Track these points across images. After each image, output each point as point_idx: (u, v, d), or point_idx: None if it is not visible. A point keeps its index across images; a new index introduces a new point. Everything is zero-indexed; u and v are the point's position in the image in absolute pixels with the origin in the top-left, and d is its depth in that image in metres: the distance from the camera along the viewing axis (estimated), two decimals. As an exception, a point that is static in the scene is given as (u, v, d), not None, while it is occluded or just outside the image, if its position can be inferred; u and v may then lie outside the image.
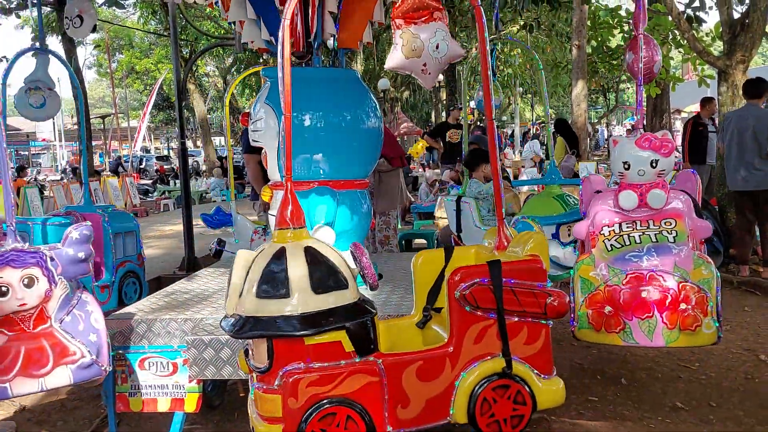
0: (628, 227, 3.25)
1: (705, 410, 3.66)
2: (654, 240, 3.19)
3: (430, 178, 13.01)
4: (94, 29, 5.18)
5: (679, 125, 21.56)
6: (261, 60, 22.39)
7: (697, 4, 7.66)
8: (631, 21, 10.17)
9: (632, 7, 10.13)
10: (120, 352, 3.04)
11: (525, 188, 11.27)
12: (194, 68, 26.87)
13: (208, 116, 32.62)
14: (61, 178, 18.98)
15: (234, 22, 3.97)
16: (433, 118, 27.14)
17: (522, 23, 14.89)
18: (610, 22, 13.03)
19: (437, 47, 2.39)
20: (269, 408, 2.22)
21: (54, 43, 19.06)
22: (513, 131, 31.72)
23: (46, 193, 13.06)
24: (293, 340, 2.19)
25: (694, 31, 7.75)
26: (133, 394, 3.06)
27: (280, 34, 2.23)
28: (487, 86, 2.55)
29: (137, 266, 5.02)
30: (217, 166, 22.04)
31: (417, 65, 2.38)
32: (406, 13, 2.39)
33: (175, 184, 20.71)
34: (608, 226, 3.29)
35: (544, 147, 17.27)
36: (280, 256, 2.24)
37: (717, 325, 3.10)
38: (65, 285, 2.76)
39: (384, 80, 24.17)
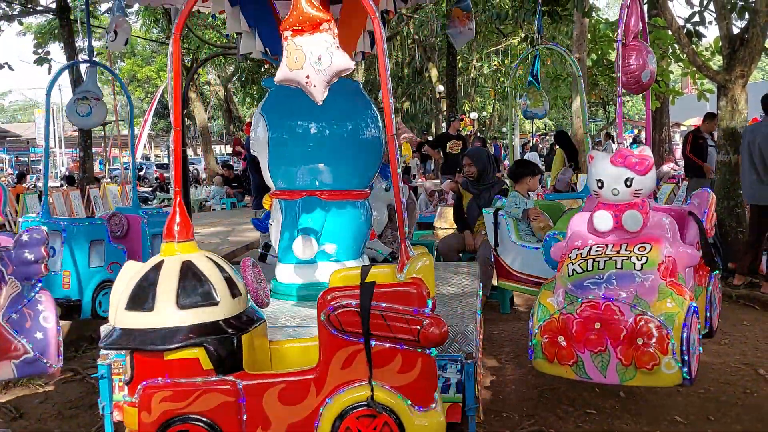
0: (596, 251, 2.95)
1: (703, 424, 3.65)
2: (618, 266, 2.85)
3: (429, 189, 13.04)
4: (126, 42, 5.45)
5: (678, 139, 21.61)
6: (263, 69, 22.47)
7: (696, 18, 7.68)
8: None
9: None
10: (117, 360, 3.03)
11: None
12: (196, 77, 26.94)
13: (209, 124, 32.69)
14: (61, 185, 18.97)
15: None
16: (433, 129, 27.17)
17: (523, 36, 14.95)
18: (611, 35, 13.11)
19: (319, 59, 2.32)
20: (129, 420, 2.27)
21: (56, 50, 19.11)
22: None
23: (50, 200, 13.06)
24: (153, 354, 2.19)
25: (693, 46, 7.78)
26: (131, 402, 3.05)
27: (170, 47, 2.37)
28: (386, 98, 2.40)
29: None
30: (218, 173, 22.04)
31: (300, 77, 2.34)
32: (293, 25, 2.33)
33: (174, 191, 20.69)
34: (578, 249, 3.01)
35: (543, 159, 17.30)
36: (156, 269, 2.27)
37: (679, 365, 2.77)
38: (15, 284, 2.87)
39: (385, 90, 24.21)
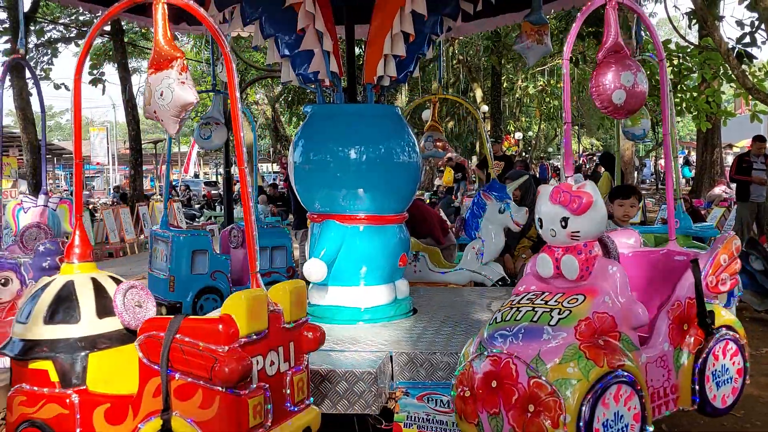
0: (528, 299, 2.61)
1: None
2: (534, 319, 2.47)
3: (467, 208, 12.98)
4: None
5: (731, 160, 21.09)
6: (308, 90, 22.80)
7: (747, 40, 7.52)
8: (681, 54, 10.09)
9: (682, 42, 10.03)
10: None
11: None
12: (244, 96, 27.47)
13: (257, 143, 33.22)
14: (113, 203, 19.51)
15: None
16: (477, 149, 27.08)
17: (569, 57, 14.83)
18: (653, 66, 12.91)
19: (161, 94, 2.38)
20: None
21: (110, 71, 19.76)
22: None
23: (97, 215, 13.43)
24: (18, 362, 2.44)
25: (745, 66, 7.61)
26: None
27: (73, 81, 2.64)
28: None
29: (285, 276, 5.60)
30: (263, 192, 22.37)
31: (150, 113, 2.46)
32: (152, 63, 2.45)
33: (221, 209, 21.06)
34: (517, 294, 2.70)
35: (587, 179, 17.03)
36: (45, 287, 2.49)
37: None
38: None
39: (428, 111, 24.28)
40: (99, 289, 2.50)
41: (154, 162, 36.99)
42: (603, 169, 11.55)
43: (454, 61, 25.17)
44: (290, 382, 2.50)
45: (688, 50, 10.09)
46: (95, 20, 2.84)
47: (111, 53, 15.40)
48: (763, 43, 7.50)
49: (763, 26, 7.31)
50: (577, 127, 35.12)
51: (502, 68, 21.12)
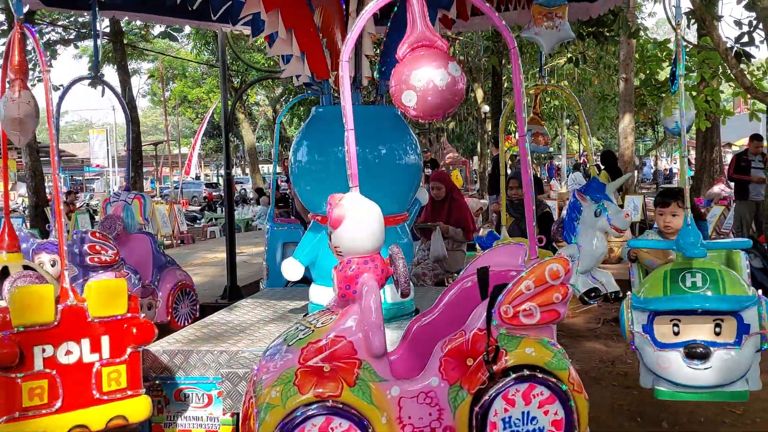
0: (316, 316, 2.47)
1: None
2: (290, 338, 2.37)
3: (473, 209, 13.02)
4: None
5: (730, 159, 21.11)
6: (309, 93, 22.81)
7: (745, 39, 7.54)
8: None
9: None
10: (157, 382, 3.11)
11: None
12: (245, 97, 27.52)
13: (257, 144, 33.27)
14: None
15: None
16: (478, 149, 27.12)
17: (569, 56, 14.88)
18: (659, 55, 12.94)
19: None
20: None
21: (110, 72, 19.80)
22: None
23: (97, 218, 13.44)
24: None
25: (743, 66, 7.63)
26: (169, 425, 3.13)
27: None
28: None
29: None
30: (264, 194, 22.41)
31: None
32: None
33: (222, 211, 21.11)
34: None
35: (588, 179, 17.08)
36: None
37: None
38: (73, 269, 3.88)
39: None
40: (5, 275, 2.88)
41: (155, 164, 37.02)
42: (603, 167, 11.59)
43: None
44: (97, 373, 2.75)
45: (687, 50, 10.11)
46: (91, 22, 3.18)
47: (111, 55, 15.44)
48: (761, 42, 7.51)
49: (760, 26, 7.32)
50: (577, 127, 35.14)
51: (503, 69, 21.11)
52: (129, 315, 2.86)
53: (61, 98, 5.01)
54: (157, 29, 15.44)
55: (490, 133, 20.15)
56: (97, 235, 4.17)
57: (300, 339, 2.30)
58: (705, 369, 2.98)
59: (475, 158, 27.87)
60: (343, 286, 2.27)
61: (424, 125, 24.59)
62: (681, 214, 3.68)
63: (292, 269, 3.57)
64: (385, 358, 2.26)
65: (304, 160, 3.74)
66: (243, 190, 28.84)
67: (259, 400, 2.21)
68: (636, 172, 17.69)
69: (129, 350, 2.84)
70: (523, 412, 2.27)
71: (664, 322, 3.07)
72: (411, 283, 2.50)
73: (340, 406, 2.18)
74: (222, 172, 10.27)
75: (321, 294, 3.84)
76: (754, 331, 2.96)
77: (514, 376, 2.27)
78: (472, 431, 2.25)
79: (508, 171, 8.01)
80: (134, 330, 2.85)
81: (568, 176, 20.33)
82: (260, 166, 30.05)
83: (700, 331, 3.01)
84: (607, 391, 4.58)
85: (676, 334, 3.04)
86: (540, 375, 2.28)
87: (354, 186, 2.35)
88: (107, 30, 14.02)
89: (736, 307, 2.97)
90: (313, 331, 2.30)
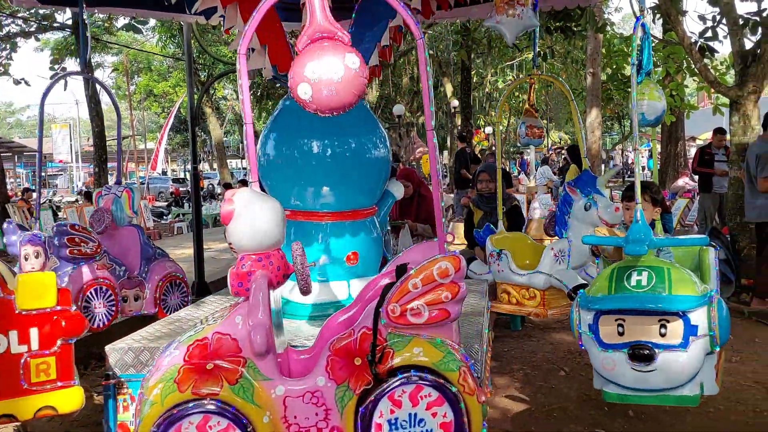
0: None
1: (713, 445, 3.62)
2: (189, 333, 2.37)
3: (443, 204, 13.04)
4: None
5: (694, 153, 21.47)
6: (278, 84, 22.63)
7: (709, 34, 7.66)
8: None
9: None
10: (122, 380, 3.05)
11: (537, 214, 11.22)
12: (212, 91, 27.21)
13: (225, 139, 32.95)
14: (76, 200, 19.16)
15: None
16: (447, 144, 27.19)
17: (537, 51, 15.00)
18: (625, 50, 13.09)
19: None
20: None
21: (72, 66, 19.43)
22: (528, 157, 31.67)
23: (60, 214, 13.20)
24: None
25: (707, 60, 7.75)
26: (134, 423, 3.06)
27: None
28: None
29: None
30: (232, 188, 22.21)
31: None
32: None
33: (189, 207, 20.87)
34: None
35: (558, 174, 17.27)
36: None
37: None
38: (54, 261, 4.25)
39: (399, 106, 24.34)
40: None
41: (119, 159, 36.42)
42: (570, 162, 11.70)
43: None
44: (25, 364, 2.80)
45: (653, 45, 10.23)
46: (55, 14, 2.83)
47: (73, 48, 15.12)
48: (725, 37, 7.64)
49: (724, 20, 7.45)
50: (546, 122, 35.47)
51: (472, 63, 21.20)
52: (58, 308, 2.92)
53: (45, 94, 4.93)
54: (121, 21, 15.18)
55: (459, 127, 20.20)
56: (77, 227, 4.35)
57: (189, 336, 2.28)
58: (650, 371, 2.85)
59: (445, 153, 27.94)
60: (236, 283, 2.23)
61: (393, 119, 24.56)
62: (648, 209, 3.68)
63: None
64: (272, 356, 2.23)
65: (271, 153, 3.69)
66: (210, 186, 28.50)
67: (143, 396, 2.21)
68: (603, 166, 17.89)
69: (59, 342, 2.91)
70: (410, 414, 2.22)
71: (608, 321, 2.95)
72: (310, 282, 2.45)
73: (218, 404, 2.16)
74: (189, 167, 10.13)
75: (288, 288, 3.80)
76: (702, 333, 2.80)
77: (400, 377, 2.21)
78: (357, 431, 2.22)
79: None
80: (63, 322, 2.91)
81: (536, 170, 20.49)
82: (228, 161, 29.77)
83: (644, 332, 2.87)
84: (575, 382, 4.62)
85: (621, 334, 2.91)
86: (428, 376, 2.22)
87: (253, 181, 2.31)
88: (69, 22, 13.73)
89: (682, 307, 2.82)
90: (203, 329, 2.28)
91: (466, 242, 6.60)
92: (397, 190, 4.25)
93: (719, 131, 9.95)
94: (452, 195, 13.88)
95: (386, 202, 4.18)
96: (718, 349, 2.85)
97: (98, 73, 25.77)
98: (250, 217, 2.22)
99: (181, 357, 2.22)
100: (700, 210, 10.06)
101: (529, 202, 13.44)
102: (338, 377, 2.25)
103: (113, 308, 4.49)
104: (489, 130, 31.80)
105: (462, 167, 12.77)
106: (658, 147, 20.92)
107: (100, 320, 4.42)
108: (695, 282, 2.94)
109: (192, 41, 8.29)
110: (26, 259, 4.21)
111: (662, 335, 2.84)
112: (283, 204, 3.80)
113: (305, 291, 2.35)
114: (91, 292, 4.35)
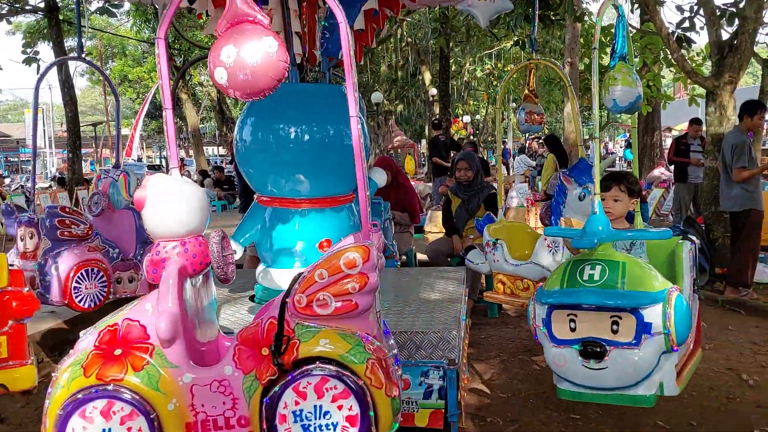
0: None
1: (686, 430, 3.66)
2: (105, 319, 2.49)
3: (422, 192, 13.05)
4: None
5: (670, 143, 21.68)
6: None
7: (686, 24, 7.71)
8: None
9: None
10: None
11: (514, 203, 11.29)
12: (187, 78, 26.89)
13: (201, 126, 32.62)
14: (50, 186, 18.86)
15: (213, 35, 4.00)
16: (426, 132, 27.20)
17: (515, 40, 15.00)
18: (603, 40, 13.14)
19: None
20: None
21: (45, 50, 19.04)
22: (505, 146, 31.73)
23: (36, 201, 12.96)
24: None
25: (684, 51, 7.80)
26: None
27: None
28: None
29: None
30: (208, 176, 22.03)
31: None
32: None
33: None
34: None
35: (535, 162, 17.35)
36: None
37: None
38: (47, 241, 4.41)
39: (377, 93, 24.27)
40: None
41: (94, 145, 35.95)
42: (549, 151, 11.75)
43: (403, 44, 25.14)
44: None
45: (630, 34, 10.28)
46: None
47: (45, 31, 14.82)
48: (702, 28, 7.70)
49: (701, 11, 7.50)
50: (522, 111, 35.56)
51: (450, 51, 21.17)
52: (10, 288, 2.99)
53: (40, 79, 5.03)
54: (95, 4, 14.91)
55: (437, 116, 20.19)
56: (68, 210, 4.50)
57: (103, 321, 2.32)
58: (600, 369, 2.78)
59: (423, 141, 27.93)
60: (151, 270, 2.24)
61: (372, 107, 24.48)
62: (624, 199, 3.52)
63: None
64: (179, 344, 2.22)
65: (248, 139, 3.65)
66: (187, 172, 28.24)
67: (55, 379, 2.23)
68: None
69: (10, 322, 2.98)
70: (315, 406, 2.19)
71: (560, 316, 2.87)
72: (230, 269, 2.45)
73: (121, 390, 2.16)
74: (164, 154, 10.01)
75: (268, 276, 3.78)
76: (656, 331, 2.71)
77: (304, 368, 2.19)
78: (263, 423, 2.20)
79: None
80: (14, 303, 2.98)
81: (514, 159, 20.57)
82: (204, 147, 29.48)
83: (596, 329, 2.79)
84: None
85: (573, 330, 2.84)
86: (333, 368, 2.18)
87: (173, 167, 2.29)
88: (41, 5, 13.45)
89: (634, 303, 2.72)
90: (118, 314, 2.31)
91: (444, 230, 6.61)
92: (380, 177, 4.24)
93: (695, 122, 10.05)
94: (430, 184, 13.88)
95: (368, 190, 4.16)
96: (676, 350, 2.77)
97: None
98: (164, 203, 2.22)
99: (92, 342, 2.23)
100: (676, 200, 10.17)
101: (506, 191, 13.50)
102: (245, 367, 2.24)
103: (105, 289, 4.55)
104: (467, 119, 31.85)
105: (435, 155, 12.81)
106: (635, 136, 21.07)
107: (91, 301, 4.47)
108: (653, 277, 2.84)
109: (168, 25, 8.16)
110: (22, 240, 4.48)
111: (614, 332, 2.76)
112: (260, 190, 3.80)
113: (222, 279, 2.37)
114: (81, 273, 4.39)
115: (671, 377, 2.87)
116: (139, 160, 38.94)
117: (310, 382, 2.18)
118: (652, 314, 2.71)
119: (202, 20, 4.00)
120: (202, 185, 21.07)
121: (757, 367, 4.63)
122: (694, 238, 3.43)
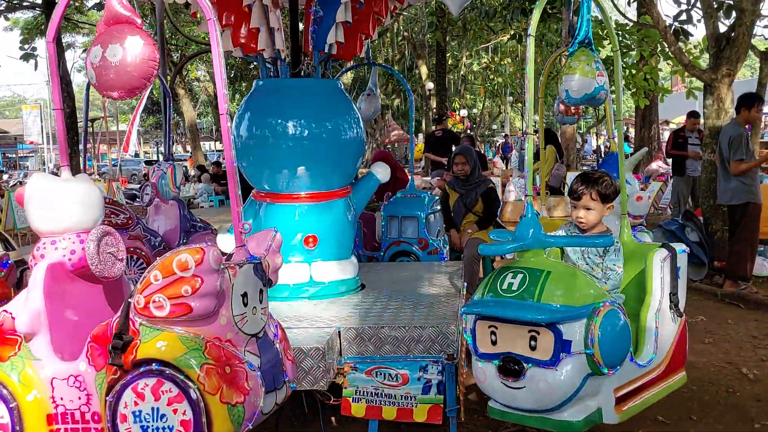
0: None
1: (686, 424, 3.66)
2: None
3: (420, 186, 13.04)
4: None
5: (668, 136, 21.67)
6: (252, 65, 22.37)
7: (684, 17, 7.70)
8: (620, 32, 10.27)
9: (622, 19, 10.20)
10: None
11: (512, 197, 11.27)
12: (185, 73, 26.82)
13: (198, 121, 32.54)
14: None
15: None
16: (423, 126, 27.17)
17: (512, 33, 14.97)
18: (600, 33, 13.11)
19: None
20: None
21: (43, 46, 18.97)
22: (503, 140, 31.76)
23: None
24: None
25: (681, 44, 7.79)
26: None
27: None
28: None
29: (415, 247, 5.43)
30: (206, 171, 21.99)
31: None
32: None
33: (162, 188, 20.58)
34: None
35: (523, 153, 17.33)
36: None
37: None
38: None
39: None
40: None
41: (92, 140, 35.86)
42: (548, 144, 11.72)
43: (399, 38, 25.10)
44: None
45: (627, 27, 10.27)
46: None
47: (43, 27, 14.77)
48: (699, 20, 7.69)
49: (698, 4, 7.48)
50: (520, 105, 35.58)
51: (447, 45, 21.13)
52: None
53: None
54: (92, 1, 14.86)
55: (434, 110, 20.17)
56: (107, 200, 4.56)
57: None
58: (517, 388, 2.49)
59: (420, 135, 27.91)
60: (32, 265, 2.34)
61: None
62: (596, 208, 2.96)
63: (226, 244, 3.50)
64: (42, 337, 2.30)
65: (244, 134, 3.64)
66: (184, 168, 28.23)
67: None
68: (577, 149, 17.99)
69: None
70: (152, 408, 2.16)
71: (483, 327, 2.60)
72: (115, 268, 2.47)
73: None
74: (162, 149, 10.00)
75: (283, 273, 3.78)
76: (576, 350, 2.41)
77: (140, 369, 2.17)
78: (108, 421, 2.21)
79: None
80: None
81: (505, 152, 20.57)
82: (201, 143, 29.43)
83: (515, 344, 2.50)
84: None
85: (494, 343, 2.55)
86: (166, 371, 2.14)
87: (63, 165, 2.41)
88: (39, 1, 13.40)
89: (548, 318, 2.40)
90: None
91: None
92: (382, 172, 4.20)
93: (693, 115, 10.03)
94: (428, 177, 13.87)
95: (369, 185, 4.15)
96: (610, 373, 2.47)
97: (69, 54, 25.26)
98: (41, 200, 2.31)
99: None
100: (674, 193, 10.16)
101: (503, 185, 13.48)
102: (97, 364, 2.27)
103: None
104: (464, 113, 31.82)
105: (428, 150, 12.84)
106: (632, 130, 21.11)
107: None
108: (581, 289, 2.51)
109: (165, 21, 8.13)
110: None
111: (532, 348, 2.46)
112: (255, 185, 3.79)
113: (104, 276, 2.42)
114: None
115: (610, 403, 2.60)
116: (136, 155, 38.93)
117: (147, 384, 2.16)
118: (571, 331, 2.41)
119: (197, 17, 3.99)
120: (199, 180, 21.08)
121: (757, 360, 4.63)
122: (681, 245, 3.14)
